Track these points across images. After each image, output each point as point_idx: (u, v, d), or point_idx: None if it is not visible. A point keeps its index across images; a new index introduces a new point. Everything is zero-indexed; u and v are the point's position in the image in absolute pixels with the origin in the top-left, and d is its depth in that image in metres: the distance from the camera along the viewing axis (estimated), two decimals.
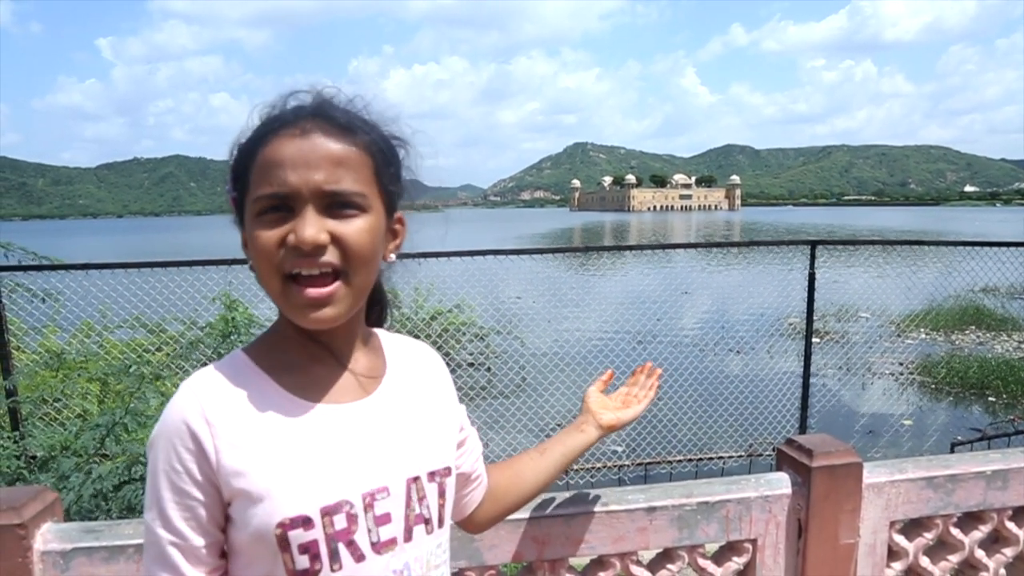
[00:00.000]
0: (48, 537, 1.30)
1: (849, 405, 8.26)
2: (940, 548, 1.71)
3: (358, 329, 1.01)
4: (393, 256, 1.00)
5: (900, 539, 1.62)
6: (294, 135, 0.86)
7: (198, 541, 0.88)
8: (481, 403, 6.67)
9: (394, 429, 0.98)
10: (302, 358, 0.96)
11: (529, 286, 8.28)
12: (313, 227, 0.84)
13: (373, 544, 0.91)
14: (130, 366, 4.45)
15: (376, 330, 1.10)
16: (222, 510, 0.89)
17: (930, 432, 7.09)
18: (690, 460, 6.00)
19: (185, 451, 0.86)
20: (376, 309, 1.11)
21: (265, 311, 4.81)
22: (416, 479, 0.97)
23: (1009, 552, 1.73)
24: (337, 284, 0.88)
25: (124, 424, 3.83)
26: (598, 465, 5.96)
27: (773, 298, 7.21)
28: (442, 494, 1.01)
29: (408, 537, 0.95)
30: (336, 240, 0.86)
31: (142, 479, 3.62)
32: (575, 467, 5.92)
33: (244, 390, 0.91)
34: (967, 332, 10.59)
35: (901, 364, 9.22)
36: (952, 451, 5.94)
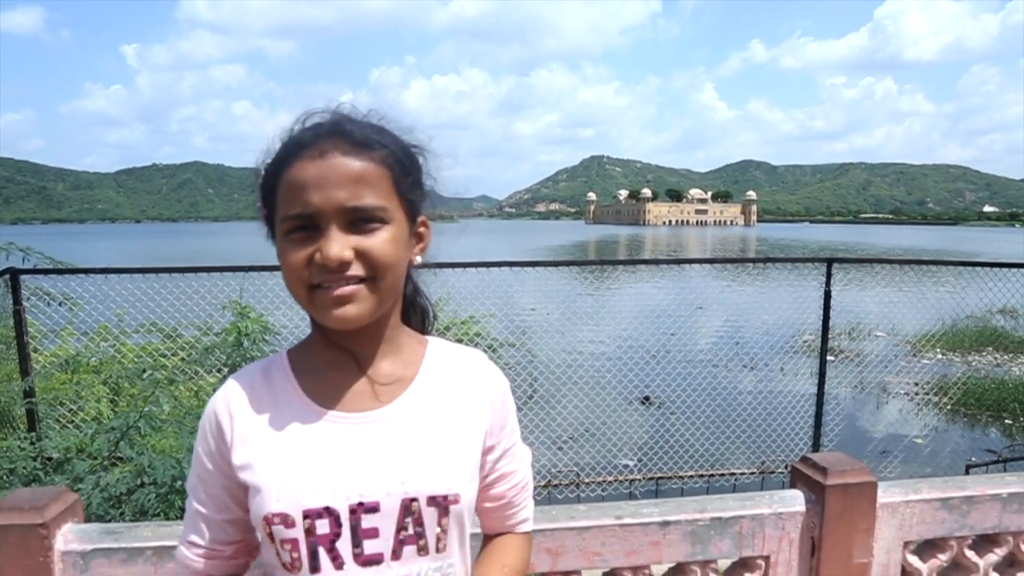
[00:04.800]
0: (69, 537, 1.32)
1: (863, 424, 8.20)
2: (954, 570, 1.69)
3: (384, 334, 1.02)
4: (419, 259, 1.03)
5: (914, 560, 1.62)
6: (314, 156, 0.91)
7: (218, 515, 1.01)
8: None
9: (401, 444, 0.97)
10: (324, 363, 1.01)
11: (544, 298, 8.28)
12: (338, 244, 0.89)
13: (356, 556, 0.93)
14: (144, 370, 4.49)
15: (431, 338, 1.11)
16: (244, 492, 0.98)
17: (945, 453, 7.02)
18: (702, 476, 5.98)
19: (211, 436, 1.00)
20: (416, 314, 1.13)
21: (280, 318, 4.84)
22: (413, 500, 0.95)
23: None
24: (361, 285, 0.92)
25: (138, 427, 3.87)
26: (609, 479, 5.95)
27: (788, 315, 7.17)
28: (445, 521, 0.97)
29: (396, 556, 0.95)
30: (361, 254, 0.91)
31: (154, 484, 3.65)
32: (586, 480, 5.91)
33: (269, 389, 1.00)
34: (984, 353, 10.47)
35: (916, 384, 9.12)
36: (967, 473, 5.88)
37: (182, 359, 5.34)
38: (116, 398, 5.49)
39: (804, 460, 1.58)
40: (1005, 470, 5.97)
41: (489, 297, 5.87)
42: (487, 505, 1.13)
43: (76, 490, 3.46)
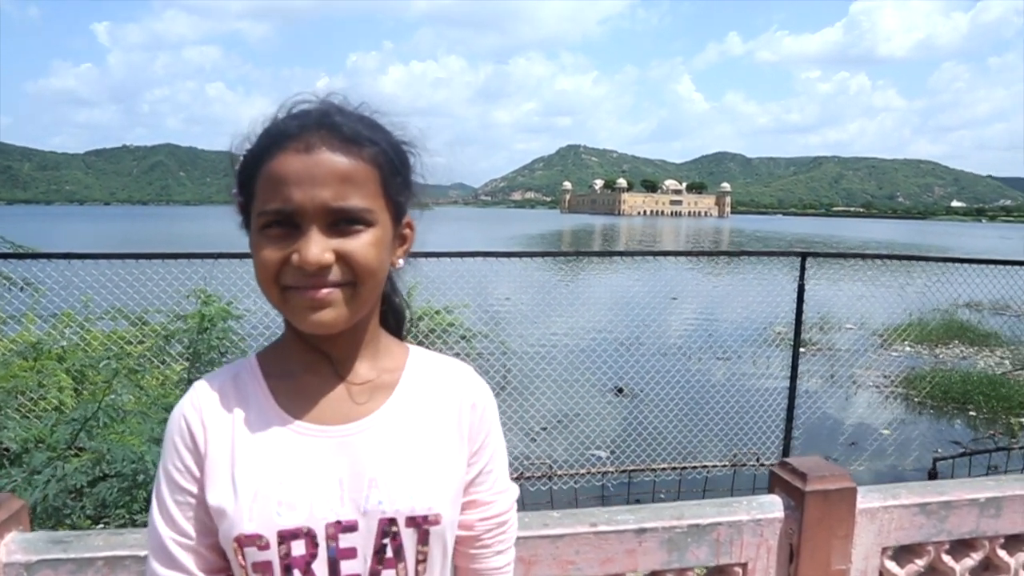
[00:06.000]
0: (12, 548, 1.24)
1: (833, 416, 8.28)
2: (930, 575, 1.68)
3: (363, 338, 0.96)
4: (401, 262, 0.97)
5: (892, 566, 1.60)
6: (299, 149, 0.84)
7: (201, 540, 0.90)
8: None
9: (380, 460, 0.91)
10: (298, 366, 0.95)
11: (519, 288, 8.24)
12: (317, 247, 0.82)
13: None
14: (106, 358, 4.37)
15: (411, 346, 1.04)
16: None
17: (913, 446, 7.11)
18: (674, 468, 5.98)
19: (186, 450, 0.90)
20: (392, 315, 1.06)
21: (248, 304, 4.75)
22: (391, 520, 0.89)
23: None
24: (339, 289, 0.85)
25: (98, 418, 3.76)
26: (582, 472, 5.92)
27: (759, 306, 7.20)
28: (424, 542, 0.91)
29: None
30: (341, 257, 0.84)
31: (117, 475, 3.55)
32: (559, 473, 5.88)
33: (239, 398, 0.93)
34: (951, 346, 10.65)
35: (885, 376, 9.25)
36: (934, 466, 5.96)
37: (148, 348, 5.21)
38: (79, 387, 5.35)
39: (783, 465, 1.55)
40: (971, 463, 6.07)
41: (462, 287, 5.81)
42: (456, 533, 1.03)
43: (32, 481, 3.35)
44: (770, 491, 1.57)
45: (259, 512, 0.85)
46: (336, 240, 0.84)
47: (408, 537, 0.90)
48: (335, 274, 0.84)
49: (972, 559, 1.68)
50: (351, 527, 0.87)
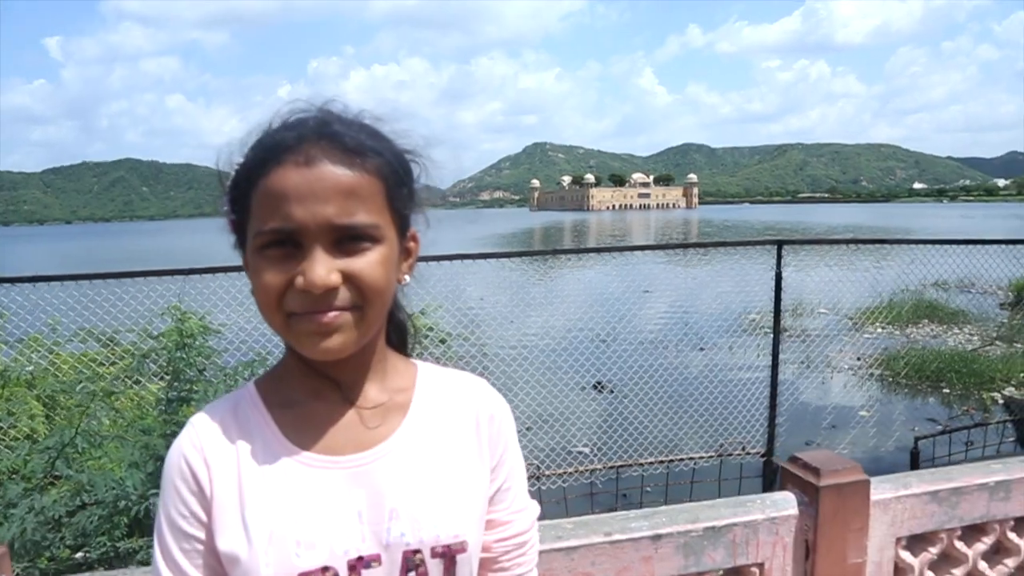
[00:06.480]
0: None
1: (812, 401, 8.35)
2: (944, 562, 1.66)
3: (372, 359, 0.89)
4: (407, 278, 0.90)
5: (906, 555, 1.57)
6: (298, 163, 0.76)
7: None
8: None
9: (399, 488, 0.85)
10: (304, 393, 0.88)
11: (493, 288, 8.19)
12: (323, 267, 0.76)
13: None
14: (79, 382, 4.24)
15: (419, 362, 0.98)
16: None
17: (893, 427, 7.20)
18: (661, 462, 5.97)
19: (189, 493, 0.83)
20: (395, 330, 0.98)
21: (221, 317, 4.63)
22: (416, 552, 0.83)
23: (1011, 563, 1.70)
24: (347, 312, 0.79)
25: (75, 444, 3.64)
26: (569, 470, 5.89)
27: (733, 295, 7.24)
28: (451, 571, 0.86)
29: None
30: (349, 278, 0.78)
31: (96, 504, 3.44)
32: (546, 473, 5.84)
33: (242, 432, 0.86)
34: (921, 325, 10.81)
35: (859, 359, 9.36)
36: (916, 445, 6.03)
37: (121, 369, 5.06)
38: (51, 413, 5.19)
39: (794, 460, 1.52)
40: (951, 440, 6.15)
41: (441, 290, 5.75)
42: None
43: (8, 515, 3.23)
44: (781, 488, 1.54)
45: (276, 555, 0.79)
46: (342, 260, 0.77)
47: (434, 567, 0.84)
48: (342, 296, 0.78)
49: (984, 543, 1.66)
50: (374, 561, 0.82)
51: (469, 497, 0.89)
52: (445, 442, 0.90)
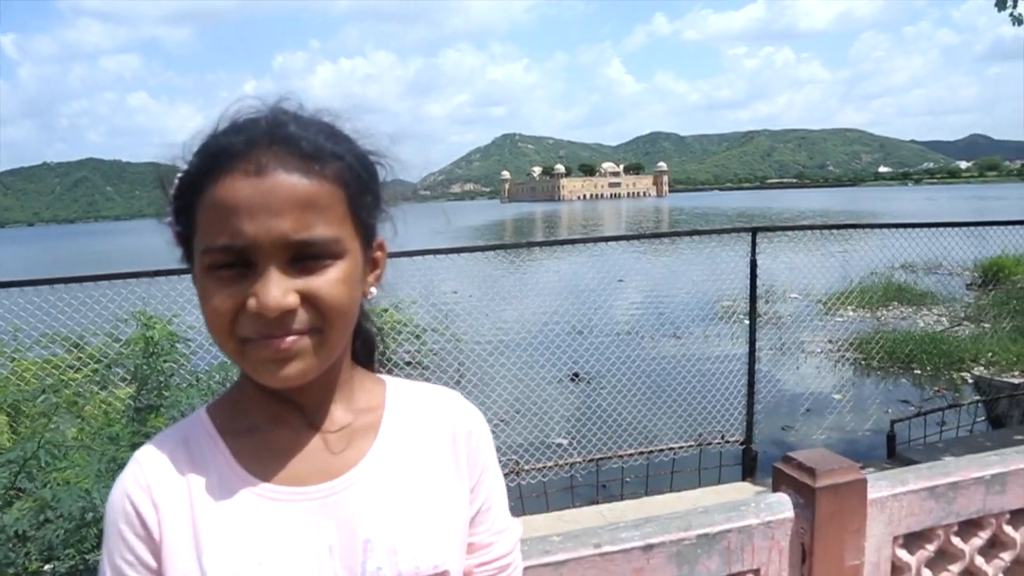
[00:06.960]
0: None
1: (788, 387, 8.40)
2: (941, 559, 1.62)
3: (337, 379, 0.81)
4: (374, 290, 0.81)
5: (903, 554, 1.53)
6: (248, 171, 0.67)
7: None
8: None
9: (372, 518, 0.77)
10: (263, 419, 0.78)
11: (466, 281, 8.12)
12: (278, 288, 0.67)
13: None
14: (43, 389, 4.08)
15: (387, 378, 0.89)
16: None
17: (869, 410, 7.26)
18: (641, 453, 5.95)
19: (136, 538, 0.74)
20: (361, 345, 0.89)
21: (190, 319, 4.50)
22: None
23: (1007, 556, 1.66)
24: (306, 336, 0.70)
25: (38, 458, 3.50)
26: (549, 464, 5.84)
27: (705, 283, 7.26)
28: None
29: None
30: (307, 299, 0.69)
31: (61, 518, 3.32)
32: (525, 468, 5.79)
33: (194, 466, 0.76)
34: (891, 308, 10.92)
35: (831, 343, 9.43)
36: (892, 428, 6.08)
37: (86, 375, 4.90)
38: (15, 423, 5.01)
39: (787, 460, 1.46)
40: (925, 422, 6.22)
41: (414, 285, 5.67)
42: None
43: None
44: (775, 489, 1.48)
45: None
46: (299, 279, 0.69)
47: None
48: (300, 319, 0.69)
49: (980, 538, 1.62)
50: None
51: (449, 522, 0.81)
52: (420, 463, 0.82)
